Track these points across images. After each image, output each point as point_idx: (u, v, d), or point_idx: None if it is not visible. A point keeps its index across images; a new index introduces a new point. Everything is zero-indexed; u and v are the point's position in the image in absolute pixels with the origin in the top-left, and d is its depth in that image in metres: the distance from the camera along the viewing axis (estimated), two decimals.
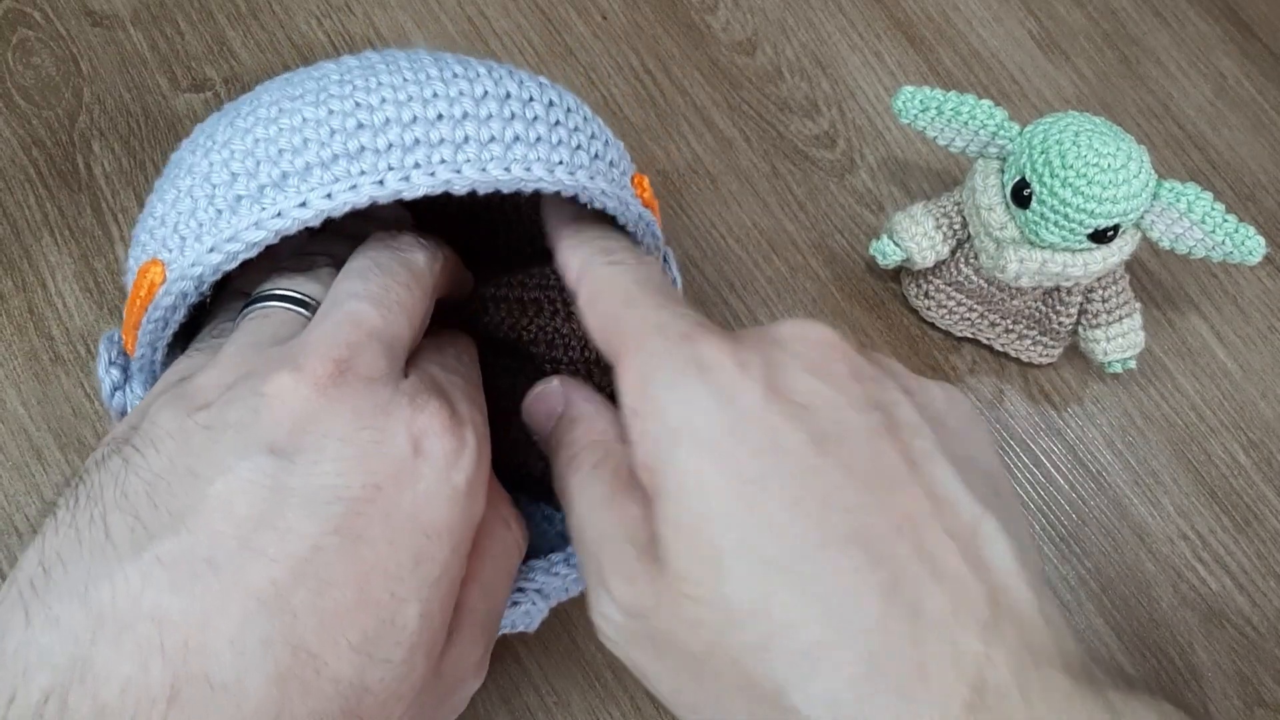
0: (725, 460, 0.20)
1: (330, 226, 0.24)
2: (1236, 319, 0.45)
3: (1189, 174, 0.47)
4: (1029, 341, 0.42)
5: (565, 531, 0.29)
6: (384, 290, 0.24)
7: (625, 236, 0.27)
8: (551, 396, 0.26)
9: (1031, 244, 0.37)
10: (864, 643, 0.19)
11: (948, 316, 0.42)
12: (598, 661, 0.35)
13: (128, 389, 0.26)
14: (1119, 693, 0.19)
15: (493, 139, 0.24)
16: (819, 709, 0.19)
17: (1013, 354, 0.42)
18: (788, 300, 0.42)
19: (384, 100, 0.23)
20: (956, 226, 0.40)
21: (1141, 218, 0.37)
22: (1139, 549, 0.40)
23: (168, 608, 0.19)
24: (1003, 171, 0.38)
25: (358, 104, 0.23)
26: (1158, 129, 0.48)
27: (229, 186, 0.23)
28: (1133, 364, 0.41)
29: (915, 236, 0.39)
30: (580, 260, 0.25)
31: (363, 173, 0.23)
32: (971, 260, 0.40)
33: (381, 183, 0.23)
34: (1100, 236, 0.36)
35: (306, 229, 0.23)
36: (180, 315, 0.24)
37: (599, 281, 0.25)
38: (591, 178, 0.25)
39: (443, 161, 0.23)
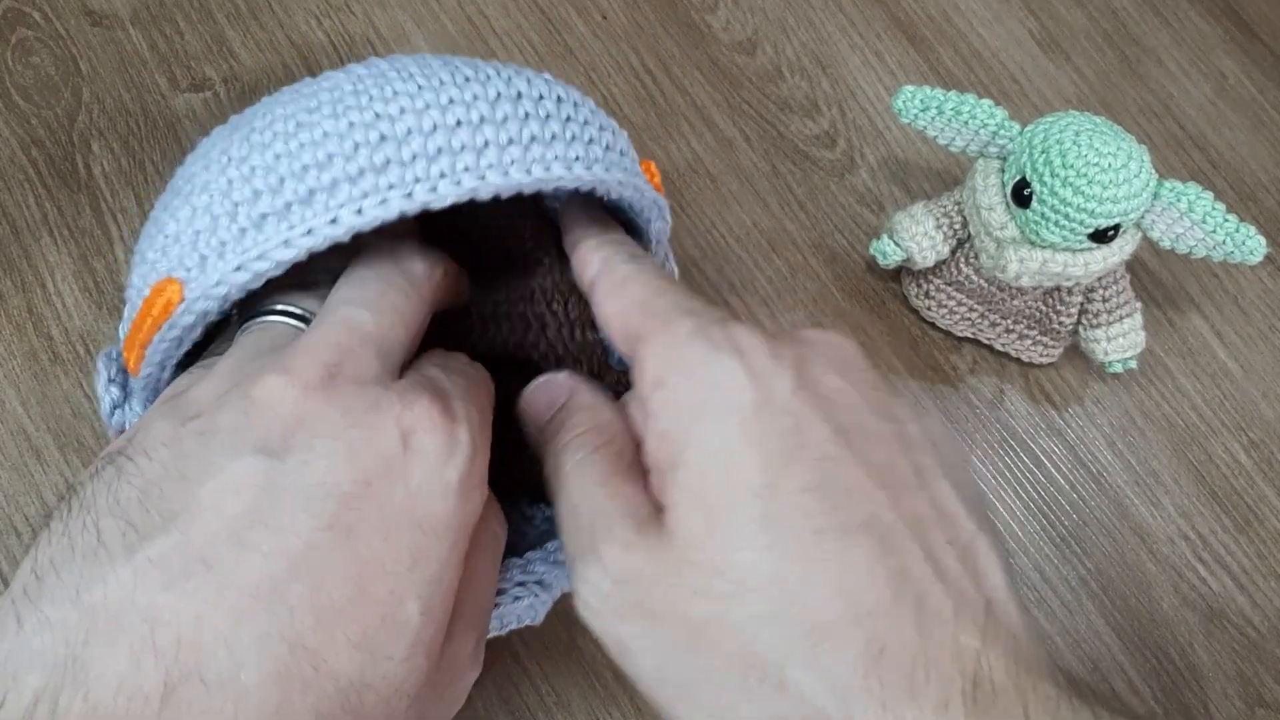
0: (753, 435, 0.21)
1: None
2: (1237, 319, 0.45)
3: (1189, 174, 0.47)
4: (1029, 341, 0.42)
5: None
6: (379, 295, 0.24)
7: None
8: (556, 387, 0.26)
9: (1032, 244, 0.37)
10: (872, 626, 0.19)
11: (948, 316, 0.42)
12: (598, 661, 0.35)
13: (127, 407, 0.26)
14: (1108, 711, 0.19)
15: (511, 141, 0.24)
16: (821, 686, 0.19)
17: (1013, 354, 0.42)
18: (788, 300, 0.42)
19: (403, 110, 0.23)
20: (957, 226, 0.40)
21: (1142, 217, 0.37)
22: (1140, 549, 0.40)
23: (160, 606, 0.19)
24: (1003, 171, 0.38)
25: (377, 115, 0.23)
26: (1158, 129, 0.48)
27: (252, 204, 0.23)
28: (1133, 364, 0.41)
29: (915, 236, 0.39)
30: (602, 258, 0.26)
31: (391, 186, 0.22)
32: (972, 260, 0.40)
33: (410, 195, 0.22)
34: (1101, 236, 0.36)
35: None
36: (197, 335, 0.24)
37: (626, 274, 0.25)
38: (608, 169, 0.25)
39: (466, 169, 0.23)
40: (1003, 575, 0.21)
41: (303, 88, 0.25)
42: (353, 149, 0.23)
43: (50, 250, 0.38)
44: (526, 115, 0.24)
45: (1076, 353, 0.42)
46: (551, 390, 0.26)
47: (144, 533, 0.19)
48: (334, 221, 0.22)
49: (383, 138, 0.23)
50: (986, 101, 0.37)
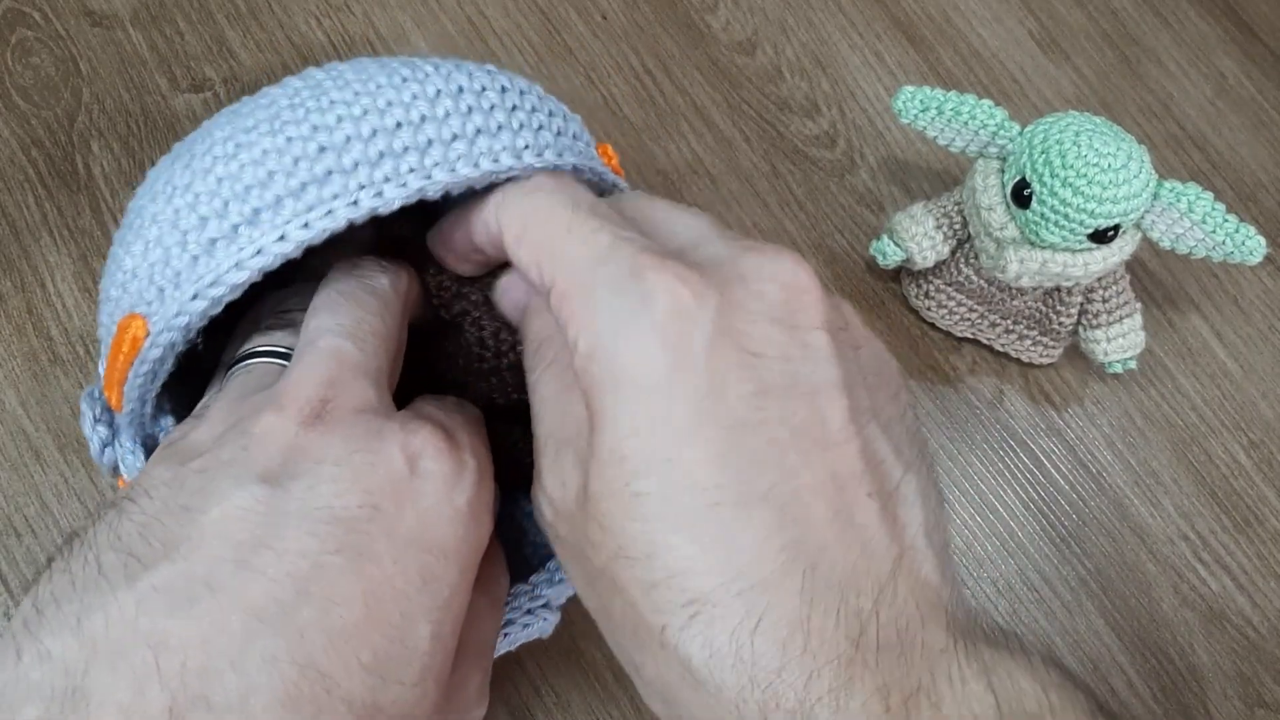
0: (660, 406, 0.20)
1: (300, 274, 0.23)
2: (1237, 319, 0.45)
3: (1189, 174, 0.47)
4: (1029, 342, 0.42)
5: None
6: (356, 323, 0.23)
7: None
8: (515, 288, 0.26)
9: (1032, 244, 0.37)
10: (753, 598, 0.19)
11: (948, 316, 0.42)
12: (598, 661, 0.35)
13: (116, 444, 0.26)
14: (993, 649, 0.19)
15: (455, 137, 0.23)
16: (697, 653, 0.19)
17: (1013, 354, 0.42)
18: None
19: (340, 119, 0.23)
20: (957, 226, 0.40)
21: (1142, 218, 0.37)
22: (1139, 549, 0.40)
23: (164, 631, 0.18)
24: (1003, 171, 0.38)
25: (315, 127, 0.23)
26: (1158, 129, 0.48)
27: (199, 230, 0.23)
28: (1133, 364, 0.41)
29: (915, 236, 0.39)
30: (495, 202, 0.24)
31: (335, 196, 0.22)
32: (972, 260, 0.40)
33: (356, 203, 0.22)
34: (1100, 236, 0.36)
35: (276, 272, 0.22)
36: (169, 366, 0.24)
37: (523, 211, 0.23)
38: (559, 155, 0.25)
39: (411, 170, 0.23)
40: (922, 522, 0.20)
41: (240, 108, 0.25)
42: (292, 164, 0.22)
43: (50, 250, 0.38)
44: (469, 109, 0.24)
45: (1076, 353, 0.42)
46: (512, 292, 0.26)
47: (146, 562, 0.19)
48: (282, 239, 0.22)
49: (322, 149, 0.22)
50: (986, 102, 0.37)
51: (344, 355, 0.23)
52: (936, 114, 0.38)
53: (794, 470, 0.20)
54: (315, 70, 0.25)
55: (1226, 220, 0.36)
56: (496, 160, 0.23)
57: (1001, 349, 0.42)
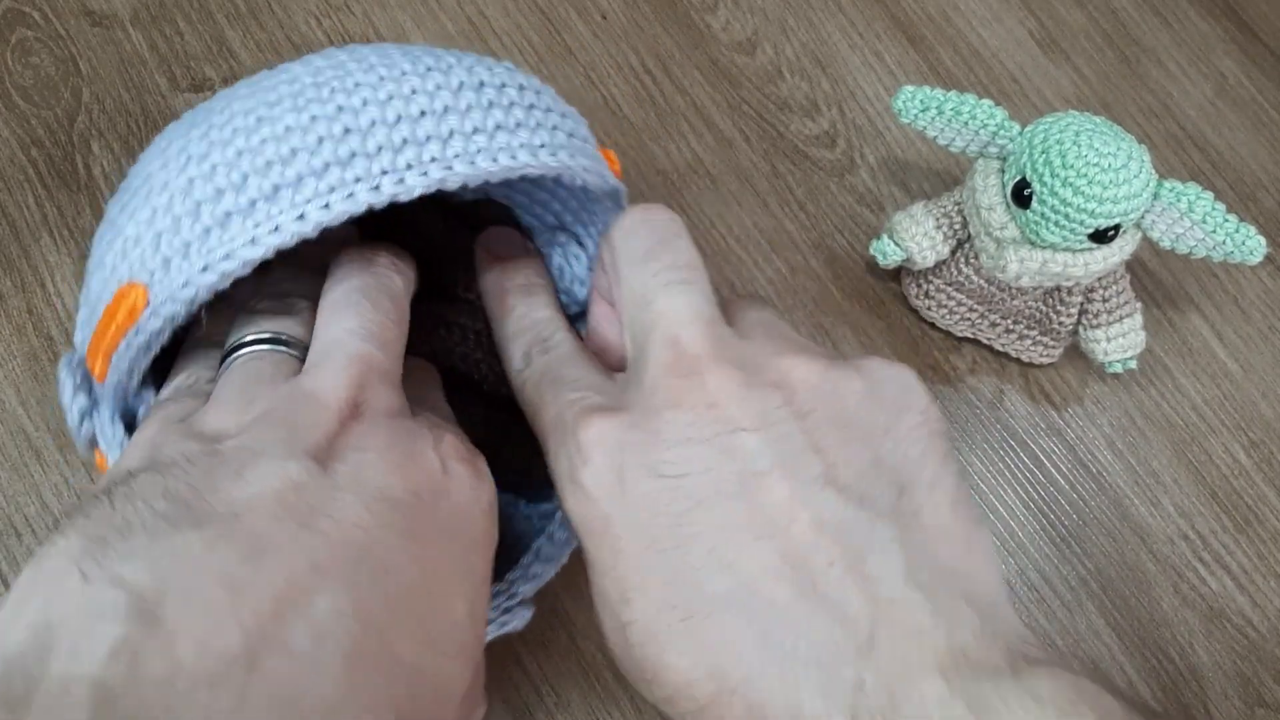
0: (611, 545, 0.22)
1: (292, 258, 0.23)
2: (1237, 319, 0.45)
3: (1189, 174, 0.47)
4: (1029, 341, 0.42)
5: (538, 528, 0.29)
6: (380, 327, 0.24)
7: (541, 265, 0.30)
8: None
9: (1032, 244, 0.37)
10: (747, 693, 0.20)
11: (948, 316, 0.42)
12: (598, 661, 0.35)
13: (95, 415, 0.25)
14: (993, 682, 0.19)
15: (475, 130, 0.23)
16: None
17: (1013, 354, 0.42)
18: (788, 300, 0.42)
19: (366, 101, 0.23)
20: (957, 226, 0.40)
21: (1142, 218, 0.37)
22: (1139, 549, 0.40)
23: (237, 575, 0.18)
24: (1003, 171, 0.37)
25: (340, 108, 0.22)
26: (1158, 129, 0.48)
27: (214, 202, 0.22)
28: (1133, 364, 0.41)
29: (915, 236, 0.39)
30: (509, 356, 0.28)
31: (357, 179, 0.22)
32: (972, 260, 0.40)
33: (377, 188, 0.22)
34: (1101, 236, 0.36)
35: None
36: (165, 338, 0.23)
37: (520, 388, 0.27)
38: (572, 156, 0.25)
39: (433, 159, 0.23)
40: (902, 567, 0.20)
41: (261, 80, 0.24)
42: (316, 143, 0.22)
43: (50, 250, 0.38)
44: (490, 104, 0.24)
45: (1076, 353, 0.42)
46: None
47: (205, 516, 0.19)
48: (301, 218, 0.22)
49: (347, 130, 0.22)
50: (986, 102, 0.37)
51: (373, 360, 0.23)
52: (936, 114, 0.38)
53: (740, 566, 0.21)
54: (337, 50, 0.25)
55: (1226, 220, 0.36)
56: (514, 156, 0.23)
57: (1001, 349, 0.42)
